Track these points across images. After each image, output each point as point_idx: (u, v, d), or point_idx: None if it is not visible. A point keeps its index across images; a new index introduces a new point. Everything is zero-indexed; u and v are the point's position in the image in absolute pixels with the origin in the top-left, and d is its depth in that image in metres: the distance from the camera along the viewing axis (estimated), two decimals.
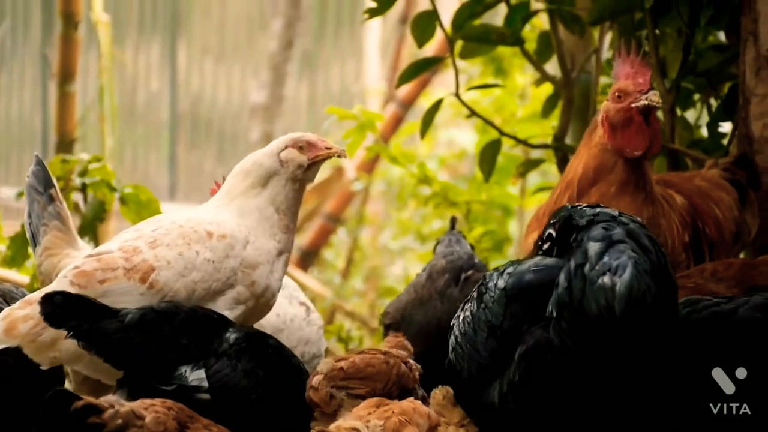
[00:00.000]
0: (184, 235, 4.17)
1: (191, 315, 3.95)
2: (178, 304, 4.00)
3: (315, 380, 3.93)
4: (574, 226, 3.57)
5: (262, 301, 4.26)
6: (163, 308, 3.95)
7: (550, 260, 3.61)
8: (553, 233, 3.63)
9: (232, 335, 3.94)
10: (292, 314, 4.81)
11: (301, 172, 4.34)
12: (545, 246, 3.67)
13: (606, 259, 3.39)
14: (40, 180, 4.60)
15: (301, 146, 4.35)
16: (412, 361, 4.09)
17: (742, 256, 5.31)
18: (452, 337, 3.82)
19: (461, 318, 3.79)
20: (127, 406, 3.50)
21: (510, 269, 3.67)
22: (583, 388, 3.50)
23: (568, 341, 3.45)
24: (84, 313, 3.84)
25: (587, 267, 3.41)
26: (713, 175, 5.01)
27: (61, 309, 3.83)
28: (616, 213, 3.55)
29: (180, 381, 3.82)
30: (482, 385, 3.67)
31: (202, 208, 4.39)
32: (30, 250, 4.83)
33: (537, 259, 3.66)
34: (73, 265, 4.15)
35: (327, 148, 4.36)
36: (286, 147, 4.35)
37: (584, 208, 3.62)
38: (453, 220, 5.52)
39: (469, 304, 3.77)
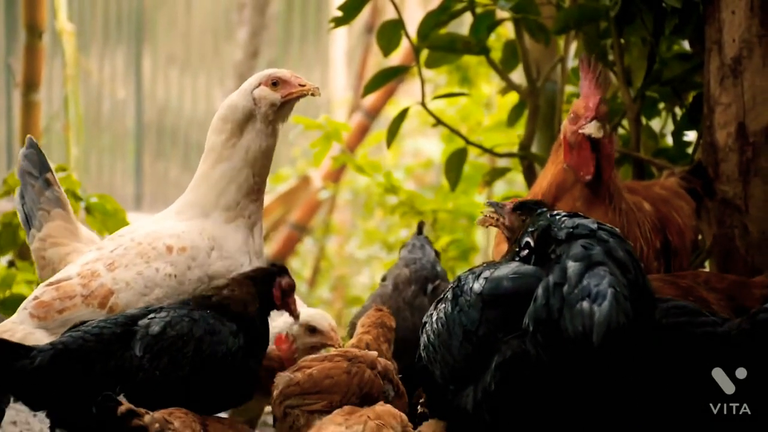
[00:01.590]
0: (143, 253, 4.12)
1: (99, 338, 3.84)
2: (85, 331, 3.85)
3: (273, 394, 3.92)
4: (552, 238, 3.56)
5: None
6: (72, 342, 3.83)
7: (528, 268, 3.61)
8: (532, 242, 3.62)
9: (137, 348, 3.84)
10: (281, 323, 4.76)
11: (273, 112, 4.26)
12: (523, 253, 3.65)
13: (585, 282, 3.39)
14: (34, 163, 4.52)
15: (274, 83, 4.27)
16: (383, 361, 4.06)
17: (707, 265, 5.34)
18: (424, 335, 3.82)
19: (434, 318, 3.78)
20: (157, 413, 3.65)
21: (486, 273, 3.66)
22: (557, 400, 3.52)
23: (544, 355, 3.46)
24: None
25: (566, 288, 3.41)
26: (672, 184, 5.04)
27: None
28: (595, 226, 3.53)
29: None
30: (456, 389, 3.67)
31: (179, 201, 4.31)
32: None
33: (514, 265, 3.65)
34: (32, 295, 4.11)
35: (300, 85, 4.27)
36: (258, 84, 4.26)
37: (563, 218, 3.61)
38: (420, 225, 5.51)
39: (443, 304, 3.76)
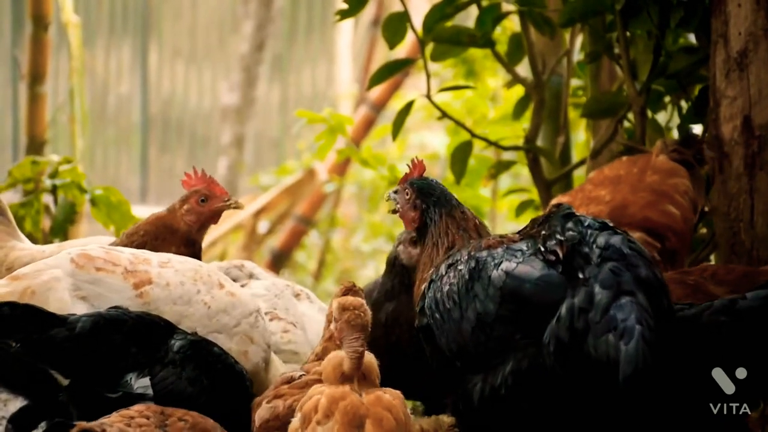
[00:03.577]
0: (197, 271, 4.17)
1: (139, 322, 3.92)
2: (126, 310, 3.96)
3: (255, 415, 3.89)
4: (582, 255, 3.49)
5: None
6: (113, 315, 3.92)
7: (553, 277, 3.51)
8: (560, 253, 3.53)
9: (176, 343, 3.91)
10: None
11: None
12: (550, 257, 3.55)
13: (612, 312, 3.34)
14: None
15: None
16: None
17: (713, 259, 5.34)
18: (431, 296, 3.76)
19: (445, 288, 3.72)
20: (116, 426, 3.53)
21: (506, 265, 3.59)
22: (566, 412, 3.51)
23: (560, 371, 3.44)
24: (32, 323, 3.81)
25: (592, 314, 3.37)
26: (662, 163, 5.04)
27: (8, 320, 3.79)
28: (626, 249, 3.46)
29: (125, 388, 3.79)
30: (463, 368, 3.65)
31: None
32: None
33: (538, 266, 3.55)
34: (80, 246, 4.17)
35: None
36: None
37: (594, 233, 3.52)
38: None
39: (456, 278, 3.70)
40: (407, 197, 4.02)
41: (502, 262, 3.61)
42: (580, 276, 3.45)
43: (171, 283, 4.10)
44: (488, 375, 3.58)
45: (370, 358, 3.65)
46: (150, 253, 4.19)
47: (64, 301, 3.97)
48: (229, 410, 3.90)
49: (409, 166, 4.10)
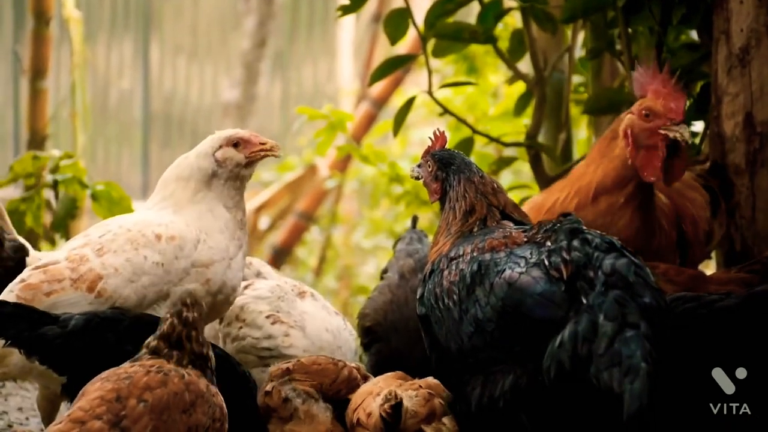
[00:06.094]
0: (132, 239, 4.14)
1: (136, 322, 3.92)
2: (124, 310, 3.97)
3: (267, 385, 3.94)
4: (586, 279, 3.48)
5: (220, 299, 4.24)
6: (108, 315, 3.92)
7: (557, 295, 3.50)
8: (564, 273, 3.51)
9: None
10: (336, 325, 4.72)
11: (240, 170, 4.33)
12: (553, 273, 3.54)
13: (617, 346, 3.34)
14: None
15: (236, 143, 4.33)
16: (363, 370, 4.11)
17: (713, 256, 5.33)
18: (431, 291, 3.78)
19: (444, 285, 3.73)
20: None
21: (509, 274, 3.58)
22: (563, 427, 3.53)
23: (559, 392, 3.45)
24: (24, 321, 3.82)
25: (595, 345, 3.36)
26: (686, 177, 5.02)
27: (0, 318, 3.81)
28: (632, 277, 3.44)
29: None
30: (462, 367, 3.67)
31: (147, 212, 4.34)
32: None
33: (541, 279, 3.54)
34: (19, 278, 4.10)
35: (261, 143, 4.34)
36: (220, 146, 4.32)
37: (600, 255, 3.49)
38: (414, 219, 5.52)
39: (456, 277, 3.70)
40: (429, 169, 4.08)
41: (504, 270, 3.61)
42: (584, 301, 3.44)
43: (117, 266, 4.08)
44: (487, 382, 3.59)
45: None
46: (85, 247, 4.13)
47: None
48: (231, 411, 3.89)
49: (431, 138, 4.15)
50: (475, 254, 3.71)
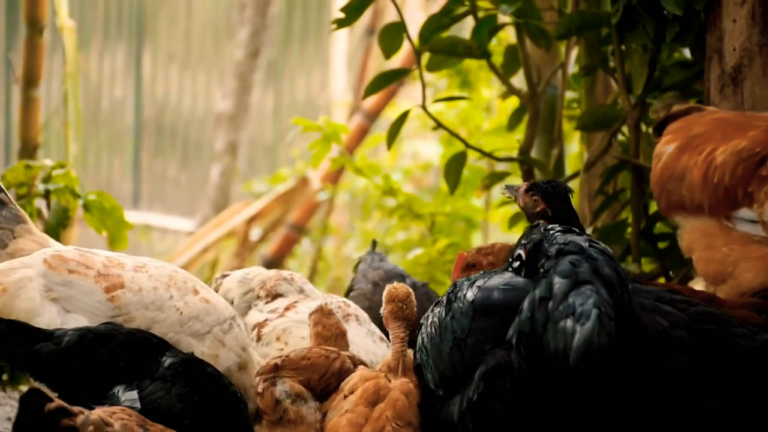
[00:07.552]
0: (172, 277, 4.14)
1: (130, 338, 3.90)
2: (117, 326, 3.94)
3: (258, 386, 3.95)
4: (543, 253, 3.54)
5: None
6: (101, 330, 3.90)
7: (519, 281, 3.58)
8: (523, 255, 3.60)
9: (168, 359, 3.88)
10: (381, 355, 4.48)
11: None
12: (515, 264, 3.63)
13: (571, 300, 3.36)
14: None
15: None
16: (358, 357, 4.09)
17: None
18: (420, 337, 3.82)
19: (429, 321, 3.78)
20: (95, 413, 3.50)
21: (480, 282, 3.65)
22: (539, 412, 3.52)
23: (526, 368, 3.46)
24: (17, 338, 3.80)
25: (551, 304, 3.39)
26: None
27: None
28: (586, 244, 3.49)
29: (112, 401, 3.76)
30: (444, 395, 3.68)
31: None
32: None
33: (507, 276, 3.63)
34: (56, 248, 4.13)
35: None
36: None
37: (556, 233, 3.57)
38: (374, 243, 5.49)
39: (438, 308, 3.76)
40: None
41: (476, 281, 3.68)
42: (541, 271, 3.49)
43: (144, 288, 4.07)
44: (464, 392, 3.60)
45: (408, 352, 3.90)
46: (126, 257, 4.16)
47: (34, 300, 3.96)
48: (219, 430, 3.89)
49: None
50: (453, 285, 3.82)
